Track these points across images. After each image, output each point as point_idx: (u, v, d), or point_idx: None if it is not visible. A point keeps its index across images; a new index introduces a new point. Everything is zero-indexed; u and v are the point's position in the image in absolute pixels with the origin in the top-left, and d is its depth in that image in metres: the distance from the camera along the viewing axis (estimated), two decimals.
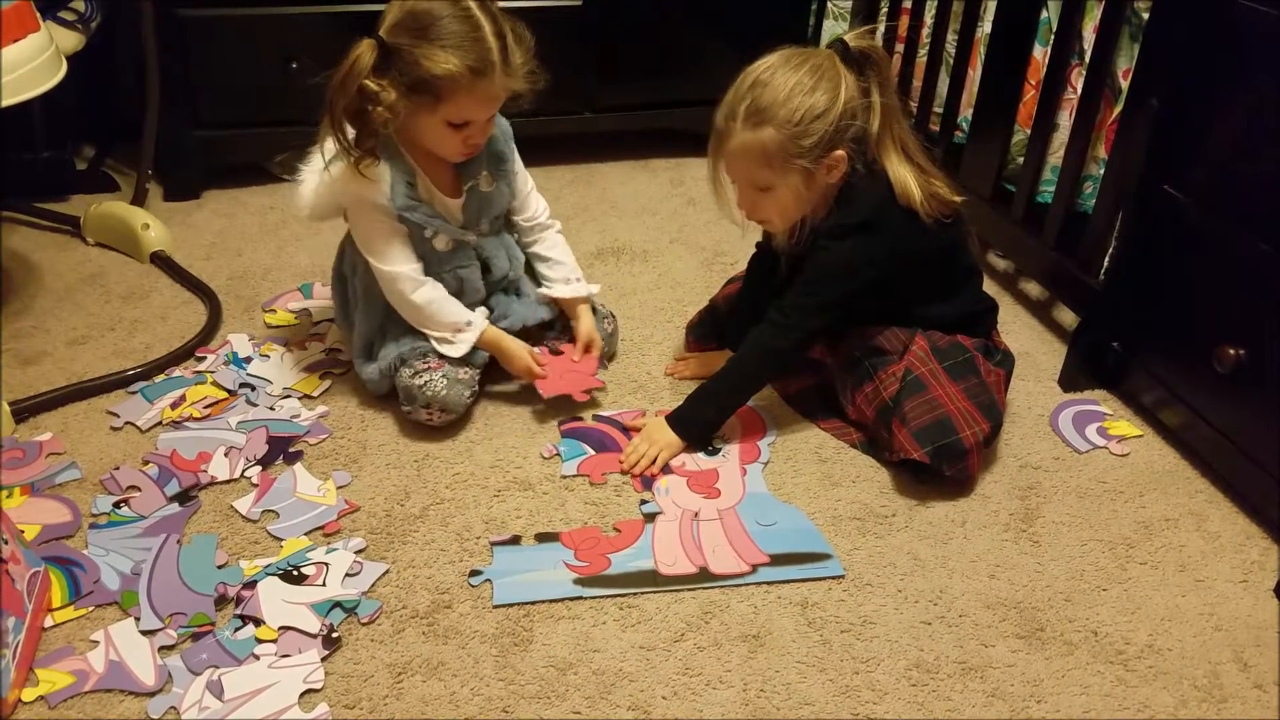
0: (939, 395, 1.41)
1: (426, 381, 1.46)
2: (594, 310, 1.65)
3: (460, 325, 1.50)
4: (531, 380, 1.54)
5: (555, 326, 1.64)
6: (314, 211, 1.47)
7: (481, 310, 1.54)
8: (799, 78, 1.34)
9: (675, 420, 1.47)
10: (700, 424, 1.48)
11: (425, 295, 1.48)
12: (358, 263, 1.53)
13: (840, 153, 1.36)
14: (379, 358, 1.51)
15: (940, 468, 1.39)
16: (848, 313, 1.46)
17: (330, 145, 1.39)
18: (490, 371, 1.57)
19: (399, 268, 1.46)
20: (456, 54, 1.33)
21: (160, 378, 1.60)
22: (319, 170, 1.45)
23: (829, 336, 1.50)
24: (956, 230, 1.45)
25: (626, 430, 1.53)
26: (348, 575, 1.26)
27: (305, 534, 1.32)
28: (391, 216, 1.44)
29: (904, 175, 1.39)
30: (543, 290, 1.61)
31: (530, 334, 1.60)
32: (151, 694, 1.10)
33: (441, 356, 1.49)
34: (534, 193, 1.62)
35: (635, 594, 1.26)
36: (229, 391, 1.57)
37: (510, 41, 1.38)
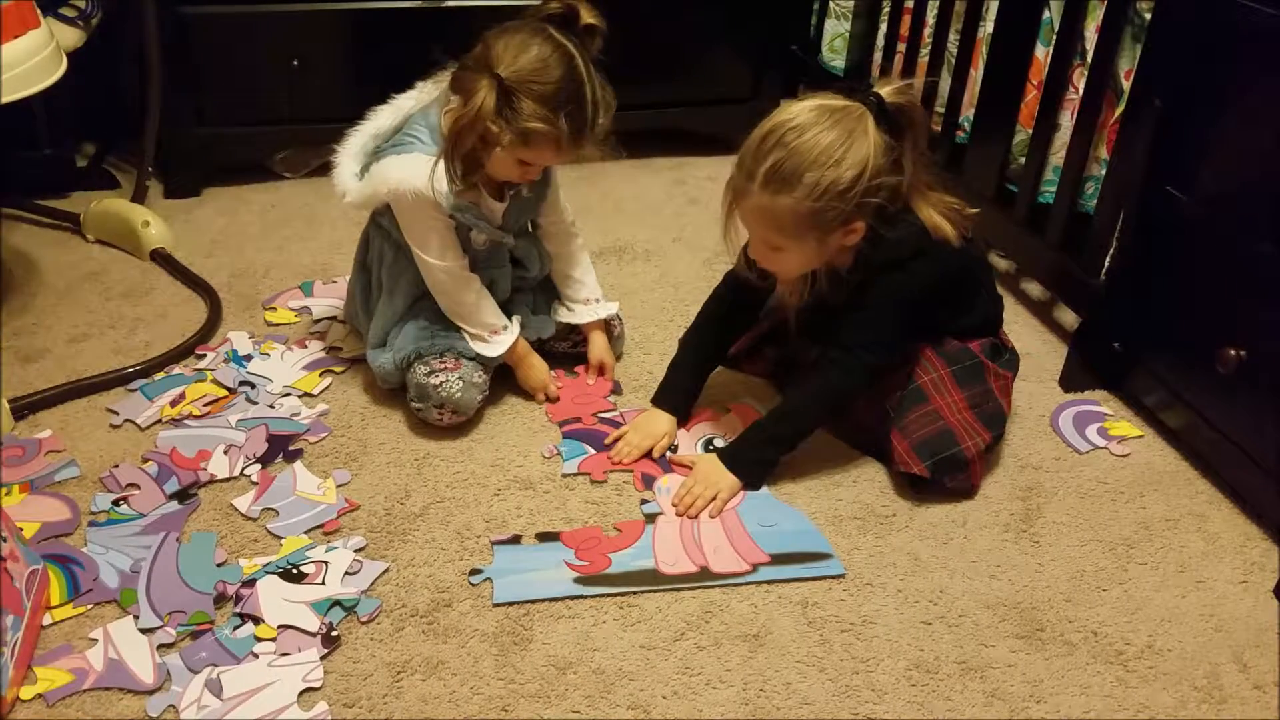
0: (940, 406, 1.41)
1: (443, 382, 1.46)
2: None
3: (497, 328, 1.52)
4: (544, 402, 1.58)
5: (572, 339, 1.66)
6: (357, 200, 1.47)
7: (517, 318, 1.56)
8: (827, 143, 1.25)
9: (732, 461, 1.41)
10: (761, 466, 1.42)
11: (472, 292, 1.50)
12: (385, 254, 1.54)
13: (859, 223, 1.30)
14: (394, 349, 1.52)
15: (942, 480, 1.39)
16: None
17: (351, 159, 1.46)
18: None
19: (450, 263, 1.48)
20: (565, 120, 1.35)
21: (160, 375, 1.60)
22: (355, 155, 1.47)
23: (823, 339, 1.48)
24: (975, 241, 1.44)
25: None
26: (347, 574, 1.26)
27: (305, 532, 1.32)
28: (444, 214, 1.45)
29: (935, 218, 1.35)
30: (560, 316, 1.63)
31: (541, 346, 1.62)
32: (150, 692, 1.10)
33: (459, 357, 1.49)
34: (560, 197, 1.62)
35: (635, 593, 1.25)
36: (229, 389, 1.57)
37: (602, 111, 1.40)
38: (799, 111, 1.29)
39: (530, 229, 1.61)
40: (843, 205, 1.27)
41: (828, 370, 1.40)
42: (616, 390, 1.63)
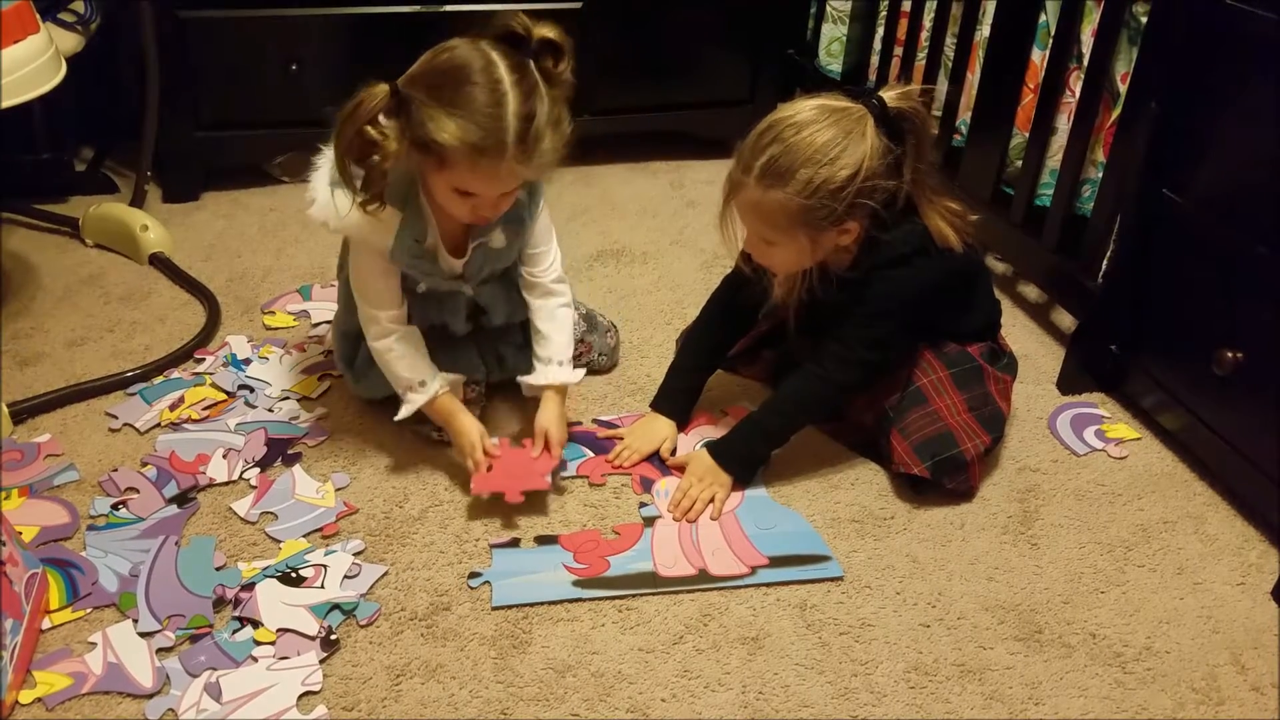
0: (940, 407, 1.41)
1: None
2: (595, 325, 1.64)
3: (413, 384, 1.39)
4: (470, 469, 1.38)
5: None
6: (316, 216, 1.34)
7: (444, 377, 1.41)
8: (824, 141, 1.25)
9: (725, 457, 1.40)
10: (754, 461, 1.43)
11: (388, 344, 1.39)
12: (348, 262, 1.48)
13: (852, 224, 1.31)
14: (373, 388, 1.47)
15: (942, 481, 1.39)
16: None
17: (327, 173, 1.32)
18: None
19: (377, 311, 1.39)
20: (464, 126, 1.19)
21: (159, 379, 1.60)
22: (326, 184, 1.34)
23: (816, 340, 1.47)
24: (975, 246, 1.44)
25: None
26: (346, 577, 1.26)
27: (304, 536, 1.32)
28: (386, 259, 1.36)
29: (939, 223, 1.36)
30: (522, 377, 1.48)
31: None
32: (149, 696, 1.10)
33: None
34: (550, 251, 1.47)
35: (634, 596, 1.26)
36: (228, 393, 1.57)
37: (539, 125, 1.22)
38: (800, 109, 1.29)
39: (512, 273, 1.48)
40: (834, 205, 1.27)
41: (824, 365, 1.40)
42: (561, 468, 1.42)
